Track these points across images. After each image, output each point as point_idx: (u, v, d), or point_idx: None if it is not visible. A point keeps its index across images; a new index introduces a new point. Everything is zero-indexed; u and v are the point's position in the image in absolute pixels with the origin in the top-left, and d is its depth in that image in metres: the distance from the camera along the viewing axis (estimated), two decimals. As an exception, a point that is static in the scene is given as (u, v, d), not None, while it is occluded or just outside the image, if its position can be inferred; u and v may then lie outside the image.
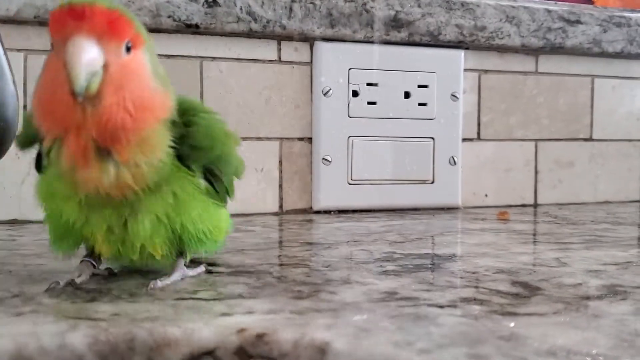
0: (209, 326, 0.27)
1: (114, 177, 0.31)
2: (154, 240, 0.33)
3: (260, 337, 0.26)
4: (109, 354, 0.25)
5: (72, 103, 0.29)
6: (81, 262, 0.36)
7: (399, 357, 0.23)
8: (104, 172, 0.30)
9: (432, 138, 0.71)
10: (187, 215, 0.34)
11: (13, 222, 0.59)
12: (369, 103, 0.69)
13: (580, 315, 0.29)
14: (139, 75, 0.31)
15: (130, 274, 0.37)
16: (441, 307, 0.30)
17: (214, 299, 0.31)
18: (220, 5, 0.62)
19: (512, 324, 0.28)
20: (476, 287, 0.35)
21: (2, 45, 0.37)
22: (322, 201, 0.68)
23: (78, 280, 0.34)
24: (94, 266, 0.36)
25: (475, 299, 0.32)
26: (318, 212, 0.68)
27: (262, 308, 0.30)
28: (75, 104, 0.29)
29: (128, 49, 0.30)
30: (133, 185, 0.31)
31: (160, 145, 0.32)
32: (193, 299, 0.31)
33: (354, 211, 0.69)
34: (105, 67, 0.29)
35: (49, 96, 0.30)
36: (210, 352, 0.26)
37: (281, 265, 0.40)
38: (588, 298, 0.32)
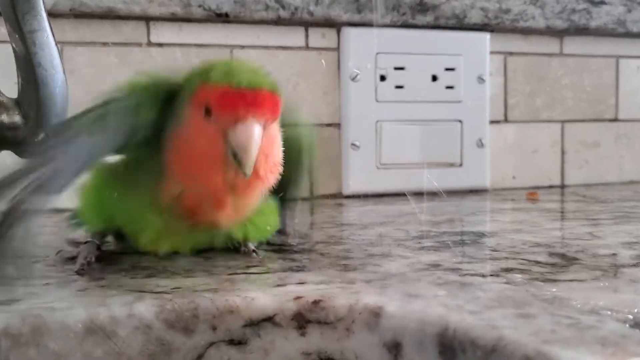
0: (267, 295, 0.28)
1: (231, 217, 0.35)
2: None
3: (316, 303, 0.27)
4: (174, 322, 0.27)
5: (224, 171, 0.32)
6: (86, 242, 0.36)
7: (451, 317, 0.25)
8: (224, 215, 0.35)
9: (460, 121, 0.72)
10: (261, 224, 0.38)
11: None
12: (396, 87, 0.70)
13: (618, 280, 0.31)
14: (277, 142, 0.34)
15: (181, 254, 0.38)
16: (484, 276, 0.31)
17: (266, 273, 0.33)
18: (249, -5, 0.63)
19: (554, 289, 0.29)
20: (515, 258, 0.36)
21: (54, 36, 0.39)
22: (352, 186, 0.69)
23: (88, 259, 0.35)
24: (98, 247, 0.37)
25: (516, 269, 0.33)
26: (348, 196, 0.69)
27: (313, 279, 0.31)
28: (228, 172, 0.32)
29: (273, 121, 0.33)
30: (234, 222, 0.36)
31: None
32: (246, 273, 0.33)
33: (383, 195, 0.70)
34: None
35: (198, 158, 0.32)
36: (269, 319, 0.27)
37: (322, 243, 0.41)
38: (623, 266, 0.34)
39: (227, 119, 0.31)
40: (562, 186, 0.77)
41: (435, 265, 0.34)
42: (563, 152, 0.78)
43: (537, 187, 0.76)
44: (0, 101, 0.39)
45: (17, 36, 0.37)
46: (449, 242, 0.41)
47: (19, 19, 0.36)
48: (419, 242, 0.41)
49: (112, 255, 0.38)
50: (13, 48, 0.38)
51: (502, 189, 0.74)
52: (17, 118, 0.39)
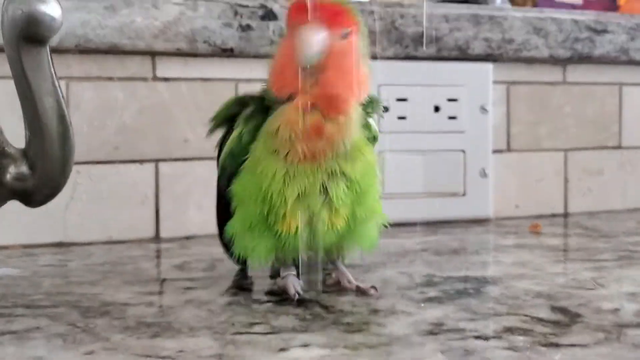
0: (271, 364, 0.28)
1: (328, 132, 0.37)
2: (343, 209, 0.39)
3: (320, 375, 0.27)
4: (180, 394, 0.27)
5: (298, 72, 0.36)
6: (285, 276, 0.40)
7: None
8: (319, 125, 0.37)
9: (463, 151, 0.72)
10: (367, 186, 0.39)
11: (59, 245, 0.61)
12: (399, 118, 0.70)
13: (621, 345, 0.31)
14: (352, 57, 0.38)
15: (185, 306, 0.39)
16: (487, 339, 0.32)
17: (270, 333, 0.33)
18: (253, 29, 0.63)
19: (557, 357, 0.29)
20: (517, 314, 0.36)
21: (60, 89, 0.39)
22: (356, 215, 0.69)
23: (301, 292, 0.39)
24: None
25: (518, 329, 0.33)
26: (351, 226, 0.69)
27: (316, 342, 0.31)
28: (302, 73, 0.37)
29: (346, 35, 0.37)
30: (339, 144, 0.38)
31: (359, 117, 0.39)
32: (249, 333, 0.33)
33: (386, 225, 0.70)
34: (328, 48, 0.36)
35: (281, 66, 0.39)
36: (273, 391, 0.27)
37: (326, 292, 0.42)
38: (627, 326, 0.34)
39: (295, 27, 0.37)
40: (566, 214, 0.77)
41: (439, 325, 0.34)
42: (566, 180, 0.78)
43: (541, 216, 0.76)
44: (8, 152, 0.39)
45: (24, 91, 0.37)
46: (452, 292, 0.41)
47: (26, 75, 0.37)
48: (423, 292, 0.41)
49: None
50: (21, 101, 0.38)
51: (505, 218, 0.75)
52: (24, 169, 0.40)
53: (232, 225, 0.40)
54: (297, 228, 0.38)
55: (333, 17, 0.37)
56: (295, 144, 0.37)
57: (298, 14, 0.37)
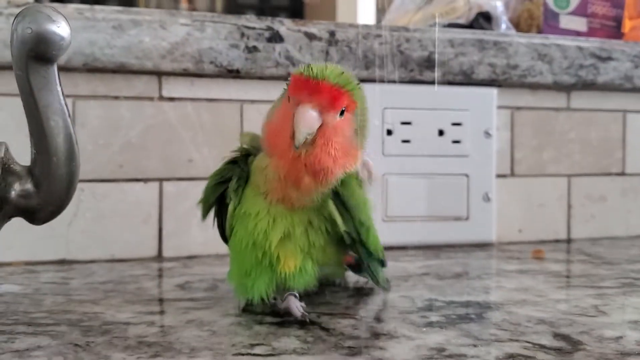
0: (271, 387, 0.28)
1: (309, 191, 0.40)
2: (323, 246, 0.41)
3: (320, 400, 0.27)
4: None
5: (291, 143, 0.38)
6: (286, 298, 0.41)
7: None
8: (304, 187, 0.39)
9: (466, 175, 0.72)
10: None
11: (62, 262, 0.61)
12: (403, 141, 0.70)
13: (624, 375, 0.31)
14: (344, 133, 0.39)
15: (187, 326, 0.39)
16: (488, 365, 0.32)
17: (270, 354, 0.33)
18: (260, 51, 0.64)
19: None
20: (519, 340, 0.36)
21: (67, 106, 0.39)
22: (358, 238, 0.69)
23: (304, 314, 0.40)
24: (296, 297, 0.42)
25: (520, 355, 0.33)
26: (354, 248, 0.69)
27: (317, 366, 0.31)
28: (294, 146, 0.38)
29: (342, 113, 0.39)
30: (316, 196, 0.40)
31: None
32: (250, 354, 0.33)
33: (388, 248, 0.70)
34: (321, 126, 0.38)
35: (278, 130, 0.40)
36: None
37: (327, 315, 0.42)
38: (629, 355, 0.33)
39: (294, 102, 0.38)
40: (569, 240, 0.77)
41: (441, 350, 0.34)
42: (569, 206, 0.78)
43: (544, 242, 0.76)
44: (14, 169, 0.40)
45: (31, 109, 0.38)
46: (454, 317, 0.41)
47: (34, 94, 0.37)
48: (424, 316, 0.41)
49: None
50: (27, 119, 0.39)
51: (508, 242, 0.74)
52: (29, 186, 0.40)
53: (231, 275, 0.42)
54: (294, 266, 0.40)
55: (332, 101, 0.38)
56: (275, 185, 0.40)
57: (298, 89, 0.38)
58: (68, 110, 0.39)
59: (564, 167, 0.78)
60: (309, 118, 0.38)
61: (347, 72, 0.40)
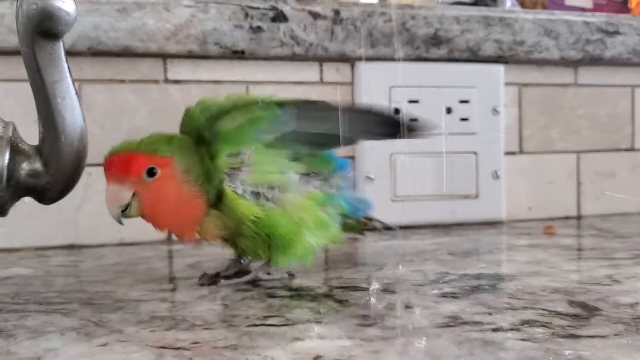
0: (286, 352, 0.28)
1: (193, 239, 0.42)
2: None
3: (337, 364, 0.27)
4: (195, 383, 0.27)
5: None
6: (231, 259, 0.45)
7: (474, 384, 0.24)
8: (188, 239, 0.42)
9: (475, 152, 0.72)
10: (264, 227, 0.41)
11: (71, 247, 0.61)
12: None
13: (642, 337, 0.30)
14: (168, 191, 0.40)
15: (199, 301, 0.38)
16: (505, 330, 0.31)
17: (284, 325, 0.33)
18: (264, 31, 0.64)
19: (577, 347, 0.28)
20: (534, 308, 0.35)
21: (74, 85, 0.39)
22: (367, 218, 0.69)
23: (223, 274, 0.44)
24: (240, 262, 0.45)
25: (537, 321, 0.33)
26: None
27: (332, 334, 0.31)
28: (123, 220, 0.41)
29: (153, 174, 0.39)
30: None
31: (211, 222, 0.41)
32: (264, 325, 0.33)
33: (399, 228, 0.70)
34: (136, 194, 0.39)
35: None
36: (290, 380, 0.27)
37: (340, 288, 0.41)
38: (647, 318, 0.33)
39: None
40: (579, 217, 0.77)
41: (455, 318, 0.34)
42: (579, 183, 0.77)
43: (553, 219, 0.75)
44: (22, 149, 0.39)
45: (38, 87, 0.37)
46: (467, 288, 0.40)
47: (40, 71, 0.37)
48: (438, 288, 0.41)
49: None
50: (35, 98, 0.38)
51: (517, 220, 0.74)
52: (37, 165, 0.39)
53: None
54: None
55: (125, 169, 0.39)
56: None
57: (104, 171, 0.40)
58: (75, 88, 0.39)
59: (572, 144, 0.77)
60: (110, 195, 0.39)
61: (160, 135, 0.41)
